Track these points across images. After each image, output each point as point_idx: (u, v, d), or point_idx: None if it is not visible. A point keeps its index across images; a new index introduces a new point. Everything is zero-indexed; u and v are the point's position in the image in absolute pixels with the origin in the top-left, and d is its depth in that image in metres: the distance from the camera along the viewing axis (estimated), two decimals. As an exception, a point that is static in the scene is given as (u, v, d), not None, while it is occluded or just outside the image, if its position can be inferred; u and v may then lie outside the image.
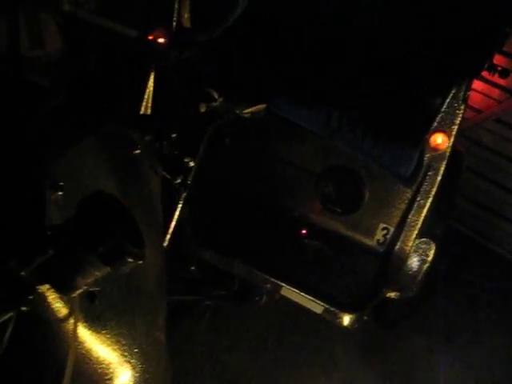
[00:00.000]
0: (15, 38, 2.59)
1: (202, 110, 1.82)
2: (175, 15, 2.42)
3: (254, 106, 1.94)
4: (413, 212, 2.59)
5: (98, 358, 1.09)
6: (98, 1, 2.46)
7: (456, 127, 2.50)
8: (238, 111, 1.91)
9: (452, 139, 2.51)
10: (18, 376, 0.97)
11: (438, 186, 2.57)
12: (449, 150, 2.53)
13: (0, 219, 0.87)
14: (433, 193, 2.57)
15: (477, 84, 3.38)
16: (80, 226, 0.86)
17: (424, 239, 2.64)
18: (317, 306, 2.47)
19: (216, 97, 1.84)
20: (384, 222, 2.65)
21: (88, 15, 2.44)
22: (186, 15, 2.69)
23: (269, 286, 2.51)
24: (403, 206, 2.62)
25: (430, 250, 2.65)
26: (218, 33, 2.72)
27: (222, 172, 2.64)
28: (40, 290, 0.94)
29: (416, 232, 2.60)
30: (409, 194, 2.61)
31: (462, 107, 2.48)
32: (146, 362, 1.20)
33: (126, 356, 1.15)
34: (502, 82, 3.27)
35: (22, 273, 0.85)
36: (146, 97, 2.20)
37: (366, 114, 2.57)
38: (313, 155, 2.69)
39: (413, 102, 2.58)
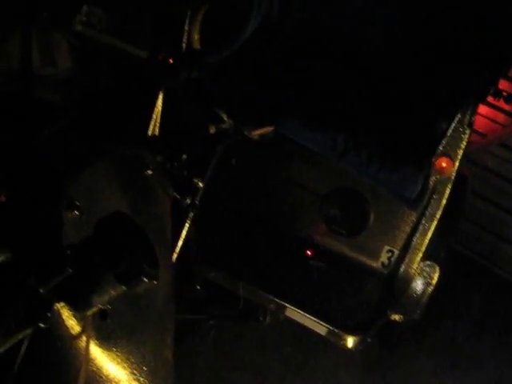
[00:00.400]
0: (27, 56, 2.63)
1: (211, 131, 1.85)
2: (185, 36, 2.46)
3: (263, 127, 1.97)
4: (418, 235, 2.60)
5: (108, 375, 1.10)
6: (110, 21, 2.50)
7: (461, 151, 2.52)
8: (246, 132, 1.94)
9: (457, 163, 2.53)
10: (30, 392, 0.99)
11: (443, 210, 2.59)
12: (454, 174, 2.55)
13: (19, 238, 0.90)
14: (437, 216, 2.59)
15: (482, 108, 3.41)
16: (98, 246, 0.89)
17: (428, 262, 2.65)
18: (321, 328, 2.47)
19: (225, 118, 1.87)
20: (389, 245, 2.66)
21: (99, 35, 2.47)
22: (196, 36, 2.73)
23: (273, 306, 2.52)
24: (408, 229, 2.63)
25: (434, 272, 2.66)
26: (228, 54, 2.76)
27: (228, 192, 2.66)
28: (54, 307, 0.96)
29: (421, 255, 2.61)
30: (414, 217, 2.62)
31: (468, 131, 2.51)
32: (155, 381, 1.21)
33: (135, 374, 1.16)
34: (506, 106, 3.31)
35: (41, 290, 0.87)
36: (154, 117, 2.23)
37: (372, 138, 2.59)
38: (318, 177, 2.71)
39: (418, 126, 2.61)
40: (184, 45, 2.49)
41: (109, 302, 1.05)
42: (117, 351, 1.12)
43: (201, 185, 1.71)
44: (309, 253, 2.69)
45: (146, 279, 0.90)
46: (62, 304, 0.96)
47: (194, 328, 2.76)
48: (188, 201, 1.58)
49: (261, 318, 2.72)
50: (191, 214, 2.06)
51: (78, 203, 1.01)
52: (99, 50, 2.59)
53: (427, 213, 2.59)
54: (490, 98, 2.58)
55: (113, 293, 0.91)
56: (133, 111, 2.22)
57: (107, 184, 1.15)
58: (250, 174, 2.70)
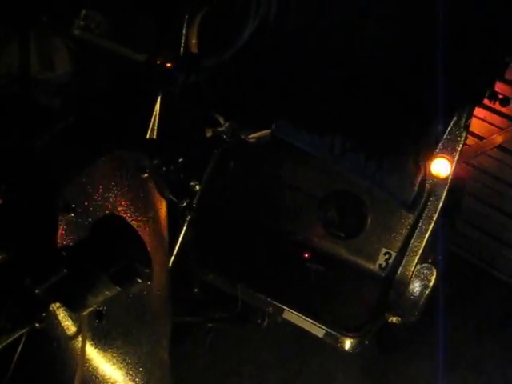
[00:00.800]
0: (26, 60, 2.64)
1: (208, 134, 1.86)
2: (183, 40, 2.48)
3: (259, 131, 1.98)
4: (415, 237, 2.61)
5: (104, 375, 1.11)
6: (108, 26, 2.51)
7: (457, 154, 2.54)
8: (243, 136, 1.95)
9: (454, 165, 2.54)
10: (26, 392, 1.00)
11: (440, 212, 2.60)
12: (450, 176, 2.56)
13: (15, 239, 0.91)
14: (434, 218, 2.60)
15: (479, 111, 3.43)
16: (93, 247, 0.90)
17: (426, 264, 2.66)
18: (318, 330, 2.48)
19: (222, 122, 1.88)
20: (386, 247, 2.67)
21: (98, 39, 2.49)
22: (194, 40, 2.75)
23: (271, 308, 2.52)
24: (405, 232, 2.64)
25: (431, 275, 2.67)
26: (225, 58, 2.78)
27: (226, 195, 2.67)
28: (50, 308, 0.97)
29: (418, 257, 2.62)
30: (411, 220, 2.63)
31: (464, 134, 2.52)
32: (151, 381, 1.22)
33: (131, 374, 1.17)
34: (504, 109, 3.32)
35: (37, 291, 0.88)
36: (152, 120, 2.24)
37: (369, 141, 2.60)
38: (316, 180, 2.72)
39: (415, 128, 2.62)
40: (182, 49, 2.50)
41: (104, 303, 1.06)
42: (113, 352, 1.13)
43: (198, 188, 1.71)
44: (306, 255, 2.70)
45: (139, 280, 0.91)
46: (58, 305, 0.97)
47: (193, 330, 2.76)
48: (185, 203, 1.59)
49: (259, 321, 2.72)
50: (189, 217, 2.06)
51: (73, 205, 1.02)
52: (97, 54, 2.61)
53: (424, 215, 2.60)
54: (487, 101, 2.59)
55: (107, 293, 0.92)
56: (130, 115, 2.23)
57: (103, 187, 1.16)
58: (248, 177, 2.72)
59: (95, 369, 1.09)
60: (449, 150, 2.54)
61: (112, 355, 1.12)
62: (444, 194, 2.59)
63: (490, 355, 3.38)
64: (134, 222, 1.18)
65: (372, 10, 2.84)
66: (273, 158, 2.71)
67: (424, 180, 2.56)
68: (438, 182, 2.57)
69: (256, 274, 2.59)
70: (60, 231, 0.99)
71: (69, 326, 1.01)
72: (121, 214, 1.12)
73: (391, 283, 2.64)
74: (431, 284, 2.67)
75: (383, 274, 2.66)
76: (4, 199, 1.00)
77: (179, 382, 2.57)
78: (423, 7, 2.78)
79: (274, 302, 2.51)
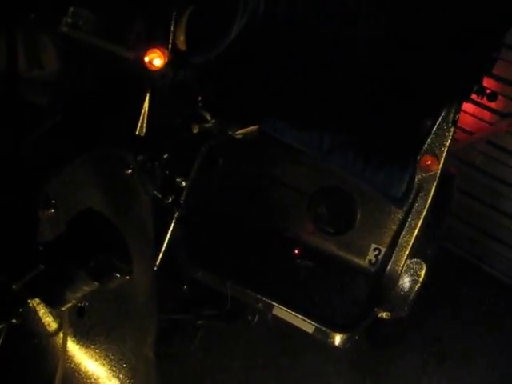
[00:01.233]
0: (13, 58, 2.63)
1: (195, 131, 1.86)
2: (171, 37, 2.47)
3: (246, 127, 1.98)
4: (404, 233, 2.62)
5: (86, 372, 1.11)
6: (96, 23, 2.50)
7: (446, 149, 2.54)
8: (230, 132, 1.95)
9: (442, 161, 2.55)
10: (7, 389, 0.99)
11: (429, 207, 2.60)
12: (439, 172, 2.57)
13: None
14: (424, 214, 2.60)
15: (469, 107, 3.44)
16: (69, 242, 0.89)
17: (415, 259, 2.67)
18: (308, 326, 2.48)
19: (209, 118, 1.88)
20: (376, 243, 2.67)
21: (86, 37, 2.47)
22: (182, 37, 2.74)
23: (261, 305, 2.53)
24: (395, 227, 2.65)
25: (421, 270, 2.68)
26: (213, 55, 2.77)
27: (214, 192, 2.67)
28: (31, 305, 0.97)
29: (407, 252, 2.62)
30: (400, 215, 2.64)
31: (452, 129, 2.53)
32: (135, 378, 1.22)
33: (114, 371, 1.17)
34: (493, 104, 3.33)
35: (13, 286, 0.88)
36: (141, 117, 2.24)
37: (358, 137, 2.61)
38: (305, 176, 2.73)
39: (403, 124, 2.62)
40: (170, 46, 2.50)
41: (86, 300, 1.06)
42: (95, 348, 1.12)
43: (184, 184, 1.71)
44: (296, 251, 2.70)
45: (118, 275, 0.91)
46: (38, 301, 0.97)
47: (183, 328, 2.76)
48: (170, 200, 1.59)
49: (249, 318, 2.73)
50: (176, 214, 2.06)
51: (54, 201, 1.02)
52: (85, 52, 2.60)
53: (413, 211, 2.61)
54: (475, 97, 2.60)
55: (86, 289, 0.92)
56: (117, 112, 2.23)
57: (85, 183, 1.16)
58: (237, 173, 2.72)
59: (77, 365, 1.09)
60: (437, 146, 2.54)
61: (95, 351, 1.12)
62: (433, 189, 2.59)
63: (480, 350, 3.39)
64: (116, 218, 1.17)
65: (362, 7, 2.84)
66: (262, 154, 2.71)
67: (413, 176, 2.57)
68: (427, 178, 2.58)
69: (245, 270, 2.59)
70: (40, 227, 0.99)
71: (50, 322, 1.01)
72: (103, 210, 1.11)
73: (381, 279, 2.65)
74: (421, 279, 2.69)
75: (373, 270, 2.67)
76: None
77: (169, 379, 2.58)
78: (411, 4, 2.79)
79: (263, 299, 2.52)
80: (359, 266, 2.68)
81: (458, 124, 2.91)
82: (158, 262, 2.05)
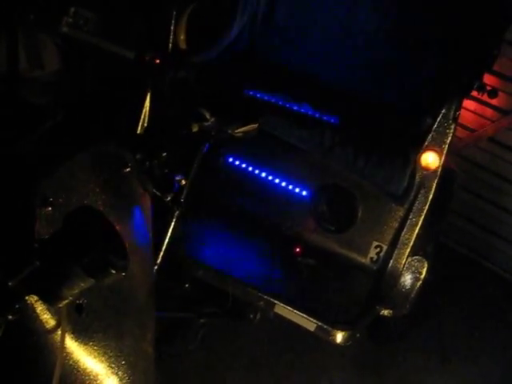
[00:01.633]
0: (14, 58, 2.64)
1: (194, 129, 1.86)
2: (171, 37, 2.48)
3: (246, 125, 1.98)
4: (405, 230, 2.62)
5: (85, 369, 1.12)
6: (97, 23, 2.51)
7: (447, 146, 2.54)
8: (230, 131, 1.95)
9: (443, 158, 2.55)
10: (4, 386, 1.00)
11: (430, 204, 2.60)
12: (440, 169, 2.57)
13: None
14: (425, 211, 2.60)
15: (470, 104, 3.44)
16: (65, 238, 0.90)
17: (416, 257, 2.67)
18: (310, 324, 2.48)
19: (208, 117, 1.88)
20: (377, 240, 2.67)
21: (86, 37, 2.48)
22: (182, 37, 2.75)
23: (262, 303, 2.53)
24: (396, 224, 2.65)
25: (422, 267, 2.68)
26: (214, 54, 2.78)
27: (215, 190, 2.68)
28: (28, 302, 0.97)
29: (409, 250, 2.62)
30: (401, 212, 2.64)
31: (453, 126, 2.52)
32: (134, 375, 1.22)
33: (113, 368, 1.17)
34: (494, 101, 3.33)
35: (9, 283, 0.89)
36: (142, 117, 2.25)
37: (358, 134, 2.61)
38: (306, 174, 2.73)
39: (404, 121, 2.63)
40: (170, 45, 2.51)
41: (84, 297, 1.06)
42: (94, 345, 1.13)
43: (184, 182, 1.72)
44: (297, 249, 2.71)
45: (113, 270, 0.92)
46: (36, 298, 0.98)
47: (184, 327, 2.76)
48: (169, 198, 1.60)
49: (251, 316, 2.73)
50: (177, 212, 2.07)
51: (51, 199, 1.03)
52: (86, 52, 2.61)
53: (414, 208, 2.61)
54: (476, 93, 2.60)
55: (82, 285, 0.92)
56: (116, 111, 2.24)
57: (83, 180, 1.16)
58: (237, 171, 2.73)
59: (76, 362, 1.10)
60: (438, 143, 2.54)
61: (93, 348, 1.13)
62: (434, 186, 2.59)
63: (483, 348, 3.39)
64: (114, 216, 1.18)
65: (362, 5, 2.85)
66: (262, 152, 2.72)
67: (413, 173, 2.57)
68: (428, 175, 2.58)
69: (246, 268, 2.59)
70: (37, 225, 0.99)
71: (47, 319, 1.01)
72: (101, 208, 1.12)
73: (382, 276, 2.64)
74: (422, 276, 2.68)
75: (374, 267, 2.67)
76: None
77: (171, 378, 2.59)
78: (411, 1, 2.79)
79: (265, 297, 2.52)
80: (360, 263, 2.69)
81: (460, 121, 2.92)
82: (158, 261, 2.06)
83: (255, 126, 2.07)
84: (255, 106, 2.41)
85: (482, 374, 3.24)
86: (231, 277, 2.53)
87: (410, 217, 2.61)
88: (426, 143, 2.54)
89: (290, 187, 2.74)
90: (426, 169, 2.56)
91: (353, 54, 2.81)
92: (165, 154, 1.52)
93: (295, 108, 2.64)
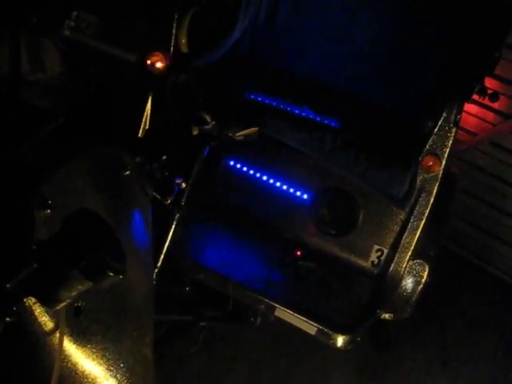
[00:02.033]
0: (16, 61, 2.65)
1: (195, 132, 1.87)
2: (173, 40, 2.48)
3: (247, 129, 1.98)
4: (406, 233, 2.62)
5: (83, 371, 1.12)
6: (99, 27, 2.52)
7: (448, 149, 2.54)
8: (230, 134, 1.96)
9: (444, 161, 2.55)
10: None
11: (431, 208, 2.60)
12: (441, 172, 2.57)
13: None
14: (426, 214, 2.60)
15: (472, 108, 3.44)
16: (63, 241, 0.90)
17: (418, 261, 2.66)
18: (310, 327, 2.48)
19: (208, 120, 1.89)
20: (378, 244, 2.67)
21: (88, 40, 2.49)
22: (184, 40, 2.76)
23: (263, 307, 2.53)
24: (397, 228, 2.65)
25: (423, 271, 2.67)
26: (215, 58, 2.79)
27: (216, 193, 2.68)
28: (26, 304, 0.98)
29: (410, 253, 2.62)
30: (402, 216, 2.63)
31: (454, 130, 2.52)
32: (132, 378, 1.22)
33: (111, 371, 1.17)
34: (496, 105, 3.33)
35: (7, 285, 0.89)
36: (143, 120, 2.25)
37: (359, 137, 2.61)
38: (307, 177, 2.73)
39: (405, 125, 2.63)
40: (172, 48, 2.51)
41: (83, 299, 1.07)
42: (92, 348, 1.13)
43: (184, 186, 1.72)
44: (298, 253, 2.70)
45: (111, 273, 0.92)
46: (34, 300, 0.98)
47: (184, 330, 2.76)
48: (169, 201, 1.60)
49: (252, 319, 2.73)
50: (177, 215, 2.07)
51: (50, 202, 1.03)
52: (88, 55, 2.61)
53: (415, 211, 2.60)
54: (477, 97, 2.60)
55: (80, 287, 0.92)
56: (117, 114, 2.24)
57: (82, 183, 1.17)
58: (238, 175, 2.73)
59: (74, 364, 1.10)
60: (439, 146, 2.54)
61: (92, 351, 1.13)
62: (435, 189, 2.59)
63: (484, 352, 3.38)
64: (114, 219, 1.18)
65: (363, 9, 2.85)
66: (262, 155, 2.72)
67: (414, 176, 2.56)
68: (429, 178, 2.58)
69: (247, 271, 2.59)
70: (36, 228, 0.99)
71: (45, 321, 1.02)
72: (100, 211, 1.12)
73: (383, 280, 2.64)
74: (424, 280, 2.68)
75: (375, 271, 2.66)
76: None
77: (171, 380, 2.59)
78: (413, 4, 2.79)
79: (265, 300, 2.51)
80: (361, 267, 2.68)
81: (461, 125, 2.92)
82: (159, 264, 2.06)
83: (256, 129, 2.08)
84: (256, 109, 2.41)
85: (484, 378, 3.23)
86: (232, 280, 2.53)
87: (411, 220, 2.61)
88: (427, 147, 2.53)
89: (291, 190, 2.74)
90: (427, 172, 2.56)
91: (354, 58, 2.81)
92: (165, 157, 1.53)
93: (296, 111, 2.64)
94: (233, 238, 2.69)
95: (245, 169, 2.75)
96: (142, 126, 2.23)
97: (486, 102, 2.61)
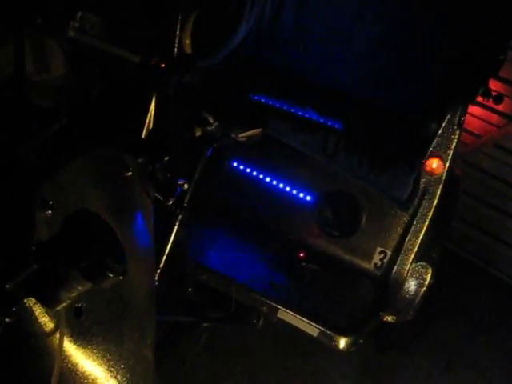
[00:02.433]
0: (21, 62, 2.65)
1: (198, 133, 1.87)
2: (177, 41, 2.48)
3: (250, 130, 1.98)
4: (410, 236, 2.61)
5: (83, 372, 1.12)
6: (103, 27, 2.52)
7: (451, 152, 2.54)
8: (233, 135, 1.96)
9: (448, 163, 2.55)
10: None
11: (435, 210, 2.60)
12: (445, 175, 2.56)
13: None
14: (429, 217, 2.60)
15: (476, 110, 3.43)
16: (63, 242, 0.90)
17: (421, 263, 2.66)
18: (313, 329, 2.47)
19: (211, 121, 1.89)
20: (381, 246, 2.67)
21: (92, 41, 2.49)
22: (188, 41, 2.76)
23: (265, 308, 2.52)
24: (400, 230, 2.64)
25: (426, 273, 2.67)
26: (219, 59, 2.79)
27: (219, 195, 2.68)
28: (26, 304, 0.98)
29: (413, 256, 2.62)
30: (405, 218, 2.63)
31: (458, 132, 2.52)
32: (133, 378, 1.22)
33: (112, 371, 1.18)
34: (500, 107, 3.32)
35: (7, 285, 0.89)
36: (147, 121, 2.25)
37: (363, 139, 2.61)
38: (310, 179, 2.73)
39: (409, 127, 2.62)
40: (176, 49, 2.51)
41: (83, 300, 1.07)
42: (93, 348, 1.13)
43: (186, 187, 1.71)
44: (301, 255, 2.70)
45: (111, 274, 0.92)
46: (34, 301, 0.98)
47: (187, 331, 2.76)
48: (171, 202, 1.60)
49: (254, 321, 2.72)
50: (180, 217, 2.07)
51: (51, 202, 1.03)
52: (92, 56, 2.62)
53: (419, 214, 2.60)
54: (482, 99, 2.59)
55: (80, 288, 0.92)
56: (120, 114, 2.24)
57: (84, 184, 1.17)
58: (241, 176, 2.73)
59: (74, 365, 1.10)
60: (443, 148, 2.54)
61: (92, 352, 1.13)
62: (438, 192, 2.59)
63: (488, 354, 3.37)
64: (115, 220, 1.18)
65: (365, 9, 2.85)
66: (266, 157, 2.72)
67: (418, 179, 2.56)
68: (433, 180, 2.58)
69: (250, 273, 2.59)
70: (37, 228, 1.00)
71: (46, 321, 1.02)
72: (101, 212, 1.12)
73: (386, 282, 2.64)
74: (426, 283, 2.68)
75: (378, 273, 2.66)
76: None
77: (173, 381, 2.59)
78: (416, 5, 2.79)
79: (268, 302, 2.51)
80: (365, 269, 2.68)
81: (466, 127, 2.91)
82: (161, 265, 2.06)
83: (259, 130, 2.08)
84: (259, 110, 2.41)
85: (486, 380, 3.22)
86: (235, 281, 2.53)
87: (415, 222, 2.60)
88: (431, 149, 2.53)
89: (294, 192, 2.74)
90: (431, 174, 2.56)
91: (358, 60, 2.81)
92: (167, 158, 1.52)
93: (299, 113, 2.64)
94: (236, 239, 2.69)
95: (248, 170, 2.75)
96: (145, 127, 2.23)
97: (491, 104, 2.61)
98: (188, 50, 2.76)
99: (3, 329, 0.89)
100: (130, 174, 1.36)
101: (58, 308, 0.95)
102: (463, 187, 3.02)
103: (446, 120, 2.50)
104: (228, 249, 2.67)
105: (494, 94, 2.51)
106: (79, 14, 2.48)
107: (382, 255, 2.67)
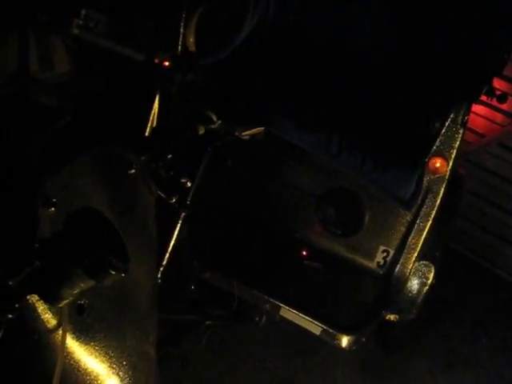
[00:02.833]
0: (25, 59, 2.66)
1: (201, 131, 1.87)
2: (180, 39, 2.49)
3: (253, 128, 1.98)
4: (413, 235, 2.61)
5: (86, 369, 1.12)
6: (107, 25, 2.52)
7: (455, 151, 2.53)
8: (236, 133, 1.96)
9: (451, 162, 2.54)
10: (5, 385, 1.01)
11: (438, 209, 2.59)
12: (448, 174, 2.56)
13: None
14: (432, 216, 2.60)
15: (480, 109, 3.43)
16: (66, 239, 0.91)
17: (424, 262, 2.66)
18: (315, 327, 2.48)
19: (214, 119, 1.89)
20: (384, 245, 2.67)
21: (96, 39, 2.50)
22: (191, 39, 2.76)
23: (268, 306, 2.53)
24: (403, 229, 2.64)
25: (429, 272, 2.67)
26: (223, 56, 2.79)
27: (222, 193, 2.68)
28: (29, 301, 0.98)
29: (416, 254, 2.61)
30: (408, 217, 2.63)
31: (461, 131, 2.51)
32: (135, 375, 1.23)
33: (114, 368, 1.18)
34: (504, 106, 3.31)
35: (10, 282, 0.90)
36: (151, 118, 2.26)
37: (366, 138, 2.61)
38: (313, 178, 2.73)
39: (412, 126, 2.62)
40: (180, 48, 2.52)
41: (86, 297, 1.07)
42: (95, 345, 1.14)
43: (189, 185, 1.72)
44: (304, 253, 2.70)
45: (113, 271, 0.92)
46: (37, 298, 0.98)
47: (190, 329, 2.77)
48: (174, 200, 1.60)
49: (256, 319, 2.73)
50: (183, 214, 2.07)
51: (54, 200, 1.03)
52: (96, 53, 2.62)
53: (422, 212, 2.60)
54: (485, 98, 2.59)
55: (82, 285, 0.93)
56: (124, 112, 2.25)
57: (87, 182, 1.17)
58: (244, 174, 2.73)
59: (77, 362, 1.10)
60: (446, 147, 2.54)
61: (94, 348, 1.13)
62: (442, 191, 2.58)
63: (488, 354, 3.37)
64: (118, 217, 1.19)
65: (370, 7, 2.84)
66: (269, 155, 2.72)
67: (421, 177, 2.56)
68: (436, 179, 2.57)
69: (253, 271, 2.60)
70: (41, 226, 1.00)
71: (48, 318, 1.02)
72: (104, 210, 1.13)
73: (389, 281, 2.64)
74: (429, 281, 2.68)
75: (381, 272, 2.66)
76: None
77: (176, 379, 2.59)
78: (420, 5, 2.78)
79: (270, 300, 2.52)
80: (367, 267, 2.68)
81: (470, 126, 2.90)
82: (164, 263, 2.06)
83: (262, 128, 2.08)
84: (262, 108, 2.41)
85: (488, 380, 3.22)
86: (237, 279, 2.53)
87: (418, 221, 2.60)
88: (435, 148, 2.53)
89: (297, 190, 2.74)
90: (434, 173, 2.56)
91: (361, 57, 2.80)
92: (170, 155, 1.53)
93: (302, 111, 2.64)
94: (238, 236, 2.70)
95: (251, 168, 2.75)
96: (148, 125, 2.23)
97: (494, 102, 2.61)
98: (192, 48, 2.76)
99: (6, 325, 0.90)
100: (133, 171, 1.36)
101: (60, 305, 0.96)
102: (467, 186, 3.01)
103: (449, 119, 2.49)
104: (231, 246, 2.67)
105: (498, 92, 2.50)
106: (83, 11, 2.48)
107: (385, 254, 2.67)
